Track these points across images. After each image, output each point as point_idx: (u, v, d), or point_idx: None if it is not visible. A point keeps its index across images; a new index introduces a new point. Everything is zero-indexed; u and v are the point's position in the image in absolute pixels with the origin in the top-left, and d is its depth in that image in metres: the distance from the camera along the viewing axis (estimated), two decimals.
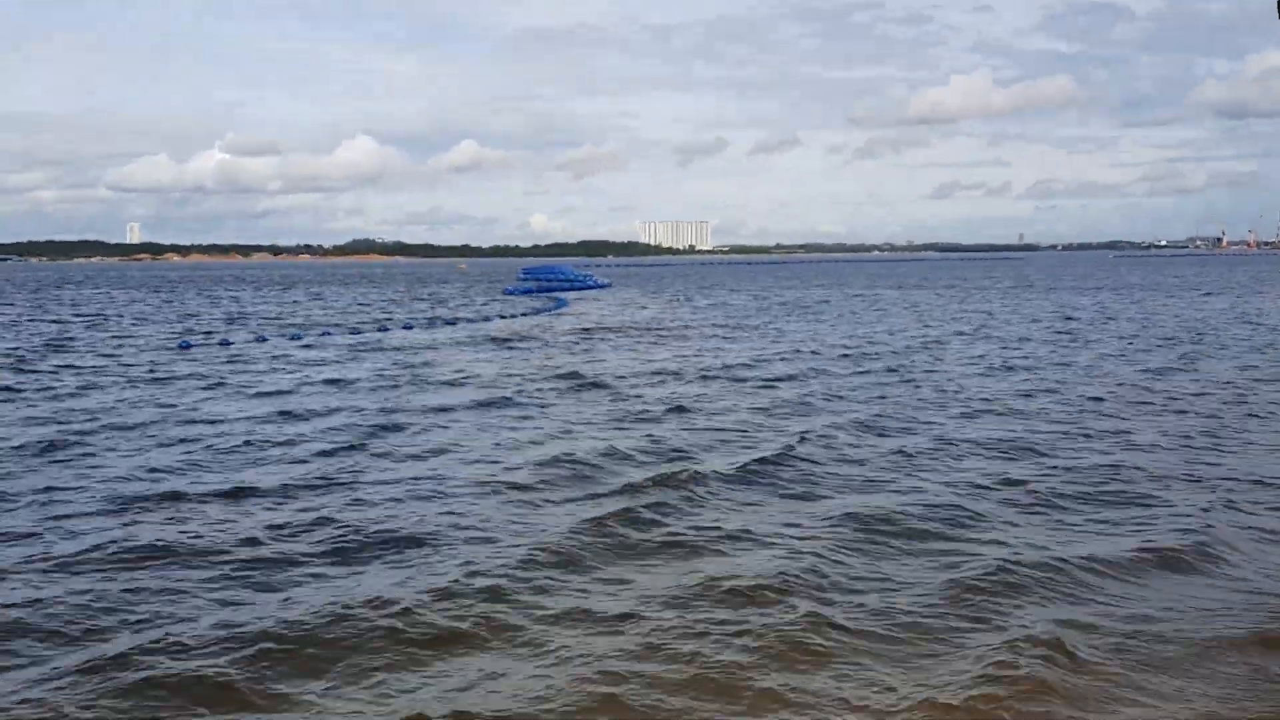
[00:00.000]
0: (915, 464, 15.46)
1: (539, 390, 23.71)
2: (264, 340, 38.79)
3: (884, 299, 71.16)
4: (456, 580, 9.91)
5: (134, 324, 49.62)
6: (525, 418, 19.90)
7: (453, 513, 12.68)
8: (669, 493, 13.45)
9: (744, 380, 25.58)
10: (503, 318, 51.83)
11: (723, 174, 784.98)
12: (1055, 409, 20.53)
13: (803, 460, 15.51)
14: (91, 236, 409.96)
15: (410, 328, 45.52)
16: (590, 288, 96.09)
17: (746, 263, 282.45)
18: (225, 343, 37.51)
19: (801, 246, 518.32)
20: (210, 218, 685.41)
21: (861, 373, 27.10)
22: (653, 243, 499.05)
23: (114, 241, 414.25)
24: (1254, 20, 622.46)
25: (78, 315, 57.35)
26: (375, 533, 11.76)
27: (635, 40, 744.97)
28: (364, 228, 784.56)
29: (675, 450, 16.48)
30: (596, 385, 24.44)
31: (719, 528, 11.96)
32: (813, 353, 32.35)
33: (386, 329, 44.93)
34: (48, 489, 13.89)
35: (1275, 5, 9.23)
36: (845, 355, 31.63)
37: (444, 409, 20.89)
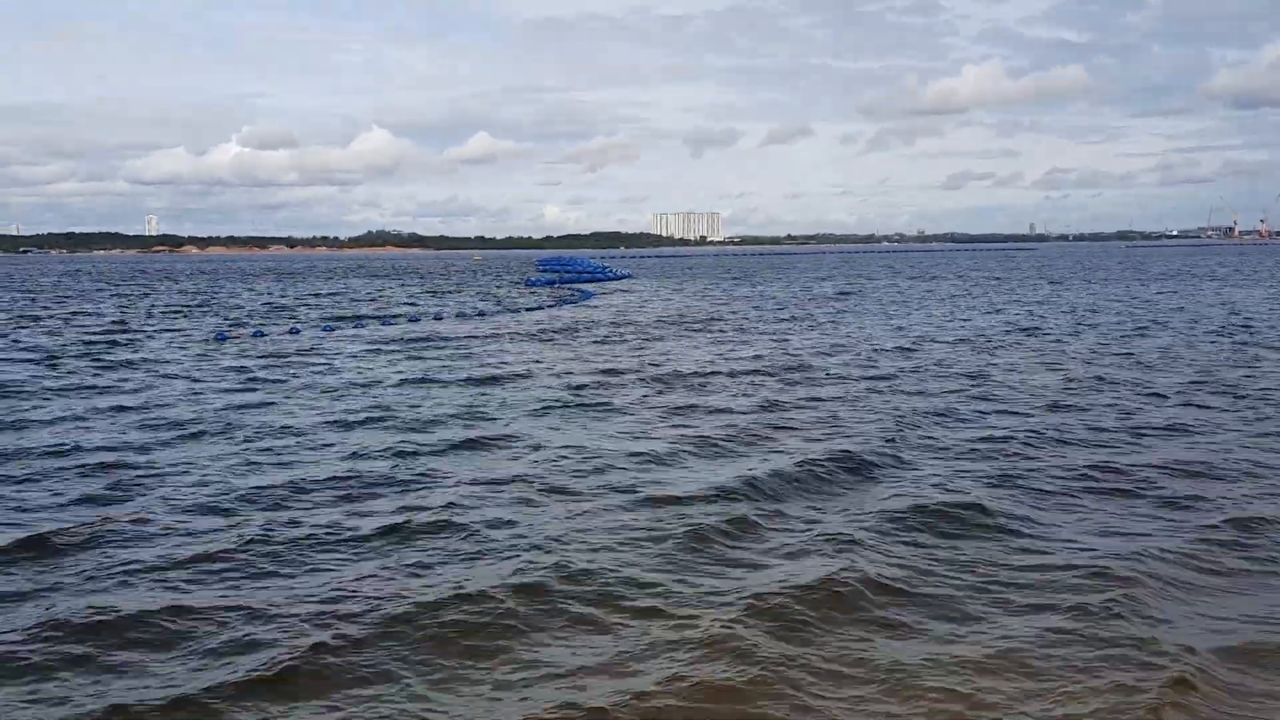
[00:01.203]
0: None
1: (625, 388, 22.98)
2: (330, 330, 39.53)
3: (939, 289, 70.76)
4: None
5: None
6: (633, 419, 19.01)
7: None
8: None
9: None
10: (531, 310, 52.11)
11: (734, 164, 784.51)
12: None
13: None
14: (110, 228, 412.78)
15: (464, 316, 47.15)
16: (612, 279, 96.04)
17: (760, 253, 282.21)
18: (321, 328, 38.16)
19: (812, 237, 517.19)
20: (226, 210, 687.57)
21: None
22: (665, 234, 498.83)
23: (132, 233, 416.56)
24: (1267, 9, 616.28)
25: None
26: None
27: (647, 30, 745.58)
28: (379, 220, 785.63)
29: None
30: (678, 384, 23.48)
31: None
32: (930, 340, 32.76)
33: (441, 318, 46.10)
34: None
35: None
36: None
37: (545, 410, 20.17)
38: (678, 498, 12.98)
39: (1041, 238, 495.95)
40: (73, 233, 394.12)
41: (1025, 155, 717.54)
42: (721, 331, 37.98)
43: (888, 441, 16.34)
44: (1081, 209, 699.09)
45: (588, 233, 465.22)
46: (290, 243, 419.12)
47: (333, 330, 40.05)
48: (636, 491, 13.39)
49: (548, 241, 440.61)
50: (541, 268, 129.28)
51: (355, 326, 41.95)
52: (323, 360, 29.16)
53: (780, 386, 22.89)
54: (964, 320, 42.01)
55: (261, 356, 30.13)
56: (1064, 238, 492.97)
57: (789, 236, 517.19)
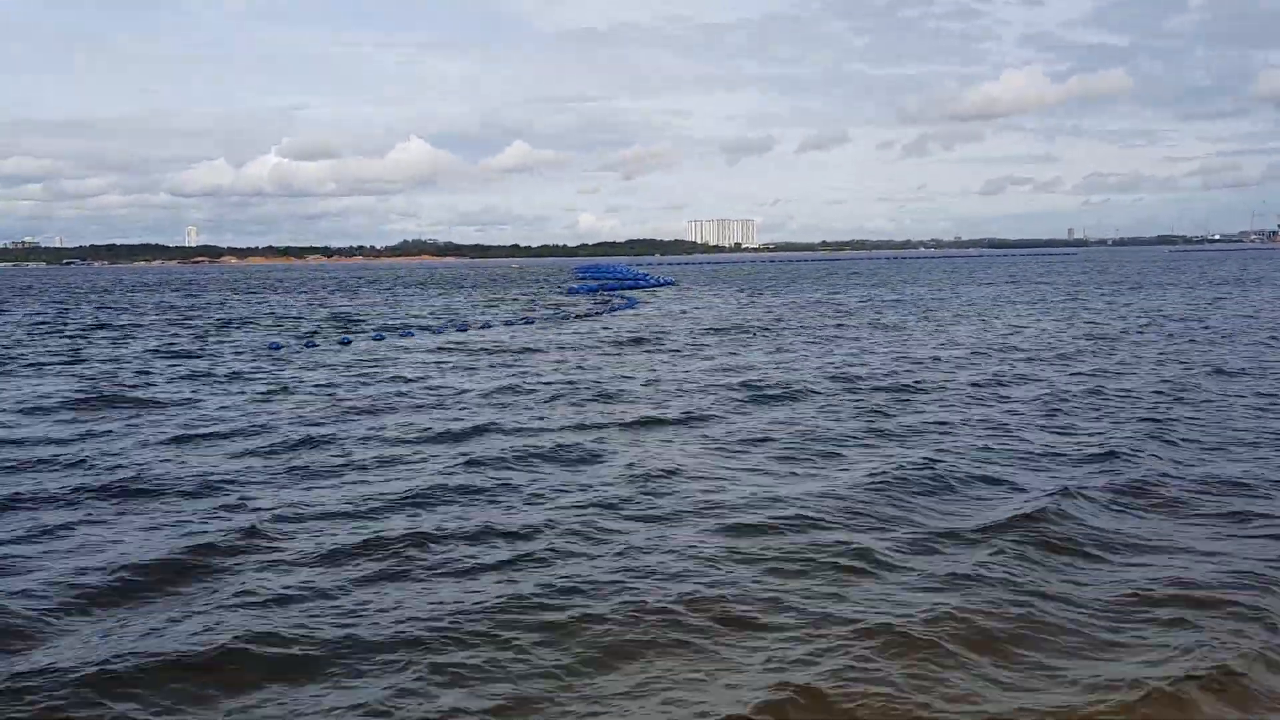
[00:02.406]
0: None
1: (715, 400, 21.47)
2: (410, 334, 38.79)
3: (1006, 292, 69.38)
4: None
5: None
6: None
7: None
8: None
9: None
10: (577, 317, 51.18)
11: (771, 171, 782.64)
12: None
13: None
14: (151, 240, 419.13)
15: (530, 321, 46.58)
16: (655, 285, 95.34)
17: (795, 259, 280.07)
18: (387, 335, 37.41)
19: (847, 243, 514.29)
20: (264, 220, 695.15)
21: None
22: (700, 240, 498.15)
23: (173, 244, 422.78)
24: None
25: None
26: None
27: (684, 39, 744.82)
28: (416, 229, 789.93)
29: None
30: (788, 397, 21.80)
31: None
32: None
33: (490, 325, 45.21)
34: None
35: None
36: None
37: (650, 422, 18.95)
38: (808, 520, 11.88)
39: (1081, 242, 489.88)
40: (114, 244, 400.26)
41: (1065, 160, 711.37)
42: (792, 337, 36.82)
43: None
44: (1122, 213, 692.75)
45: (623, 240, 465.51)
46: (327, 252, 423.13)
47: (383, 339, 39.31)
48: (753, 510, 12.27)
49: (583, 249, 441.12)
50: (581, 275, 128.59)
51: (403, 335, 41.10)
52: (394, 369, 28.31)
53: (882, 398, 21.65)
54: (1084, 321, 40.53)
55: (348, 365, 29.34)
56: (1102, 242, 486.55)
57: (824, 243, 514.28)
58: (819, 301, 63.53)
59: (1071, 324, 41.04)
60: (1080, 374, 24.72)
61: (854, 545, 10.90)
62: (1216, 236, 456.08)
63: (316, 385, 24.81)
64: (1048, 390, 21.91)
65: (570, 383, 24.23)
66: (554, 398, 21.95)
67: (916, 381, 23.65)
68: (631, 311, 54.78)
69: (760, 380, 24.04)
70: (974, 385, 23.03)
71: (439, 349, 34.25)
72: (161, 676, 7.98)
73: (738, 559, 10.56)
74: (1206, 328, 37.55)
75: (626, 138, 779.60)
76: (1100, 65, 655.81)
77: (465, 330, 43.66)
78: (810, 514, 12.14)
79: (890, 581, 9.92)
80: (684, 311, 54.64)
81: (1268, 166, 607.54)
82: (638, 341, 35.69)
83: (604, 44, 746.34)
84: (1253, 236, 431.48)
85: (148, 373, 28.40)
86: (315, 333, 43.07)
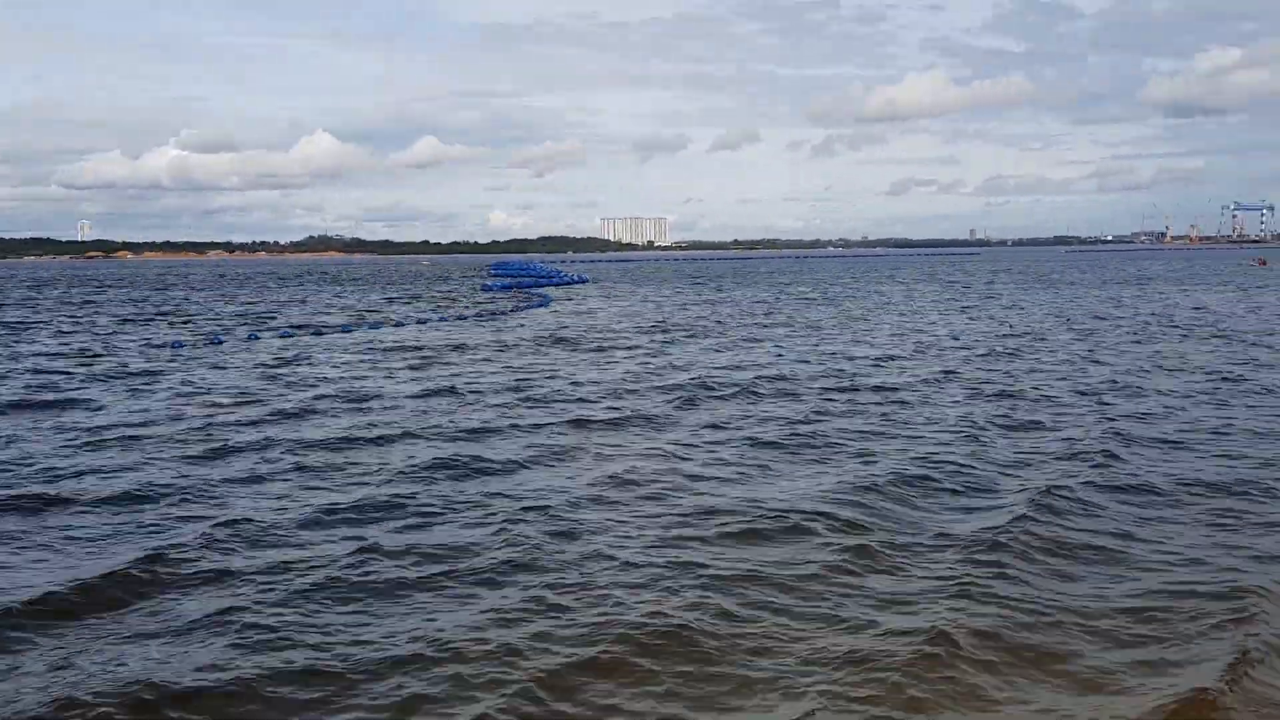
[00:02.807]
0: None
1: (648, 398, 21.12)
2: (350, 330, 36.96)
3: (959, 290, 70.11)
4: None
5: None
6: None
7: None
8: None
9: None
10: (497, 314, 50.04)
11: (683, 170, 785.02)
12: None
13: None
14: (41, 234, 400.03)
15: (450, 319, 44.39)
16: (570, 283, 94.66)
17: (708, 258, 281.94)
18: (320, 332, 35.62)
19: (758, 242, 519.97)
20: (163, 215, 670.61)
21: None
22: (612, 239, 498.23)
23: (65, 239, 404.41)
24: (1195, 21, 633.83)
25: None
26: None
27: (594, 37, 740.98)
28: (322, 225, 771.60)
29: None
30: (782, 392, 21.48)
31: None
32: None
33: (404, 323, 43.45)
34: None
35: None
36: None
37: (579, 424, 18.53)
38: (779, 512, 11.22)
39: (983, 243, 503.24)
40: (2, 239, 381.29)
41: (967, 162, 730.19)
42: (717, 337, 36.26)
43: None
44: (1021, 215, 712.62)
45: (535, 237, 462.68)
46: (229, 248, 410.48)
47: (291, 336, 37.61)
48: (735, 515, 11.57)
49: (494, 246, 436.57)
50: (495, 272, 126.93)
51: (315, 334, 39.36)
52: (312, 369, 26.88)
53: (800, 391, 21.18)
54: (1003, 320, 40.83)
55: (256, 366, 27.76)
56: (1003, 243, 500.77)
57: (735, 242, 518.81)
58: (757, 300, 63.26)
59: (1001, 321, 41.53)
60: (1025, 371, 24.74)
61: (841, 545, 10.32)
62: (1109, 237, 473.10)
63: (229, 387, 23.36)
64: (1002, 388, 21.73)
65: (508, 384, 23.20)
66: (495, 400, 20.93)
67: (879, 383, 23.15)
68: (548, 310, 53.86)
69: (704, 378, 23.37)
70: (925, 383, 22.76)
71: (358, 348, 32.86)
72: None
73: (710, 569, 9.84)
74: (1131, 323, 38.32)
75: (538, 134, 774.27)
76: (999, 71, 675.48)
77: (379, 328, 42.16)
78: (786, 514, 11.53)
79: (884, 588, 9.33)
80: (602, 309, 53.87)
81: (1157, 170, 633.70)
82: (563, 340, 34.77)
83: (515, 40, 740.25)
84: (1143, 238, 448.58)
85: (46, 373, 26.53)
86: (222, 331, 41.09)
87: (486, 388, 22.65)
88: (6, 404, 20.92)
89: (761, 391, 21.76)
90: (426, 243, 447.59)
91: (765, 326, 40.87)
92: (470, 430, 17.34)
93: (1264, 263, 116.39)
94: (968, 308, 51.69)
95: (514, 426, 17.65)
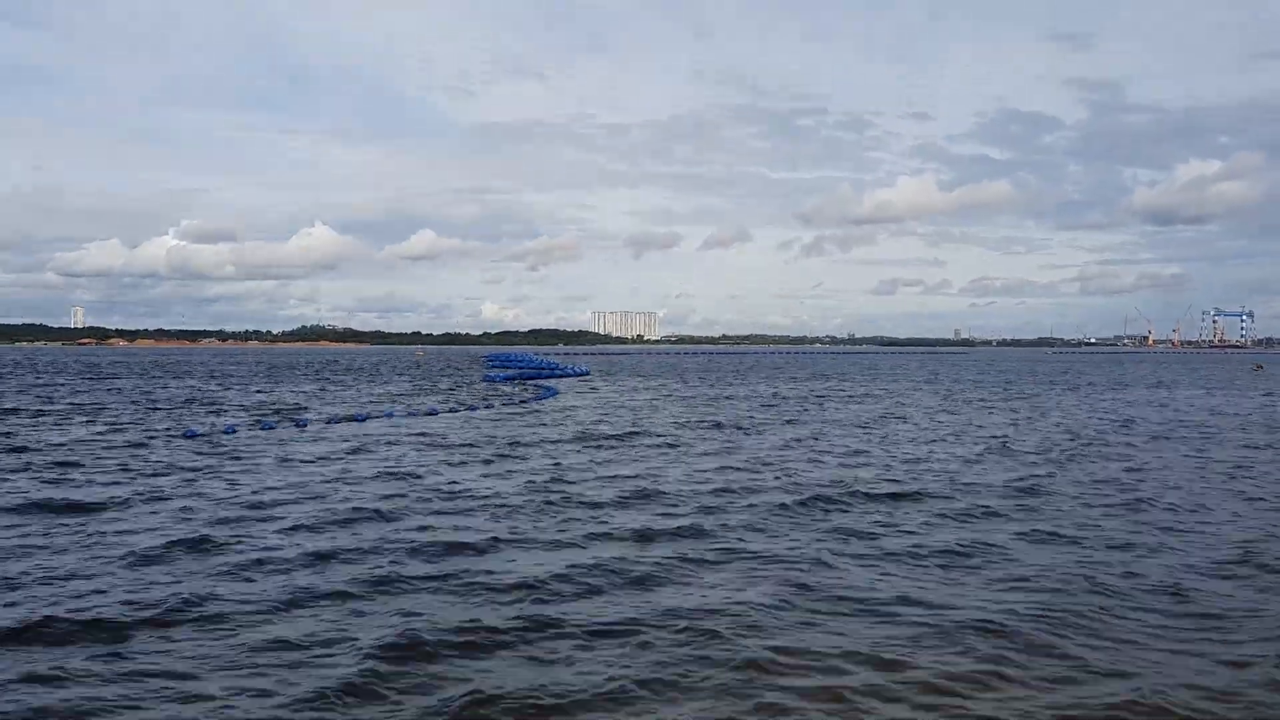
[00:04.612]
0: None
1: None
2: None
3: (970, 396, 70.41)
4: None
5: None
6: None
7: None
8: None
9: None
10: (509, 404, 50.04)
11: (675, 266, 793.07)
12: None
13: None
14: (35, 320, 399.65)
15: (475, 408, 44.55)
16: (571, 374, 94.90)
17: (699, 351, 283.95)
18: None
19: (746, 337, 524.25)
20: (155, 303, 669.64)
21: None
22: (603, 331, 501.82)
23: (58, 325, 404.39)
24: (1172, 133, 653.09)
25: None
26: None
27: (590, 137, 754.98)
28: (315, 314, 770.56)
29: None
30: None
31: None
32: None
33: (435, 411, 43.74)
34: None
35: None
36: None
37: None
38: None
39: (967, 342, 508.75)
40: None
41: (953, 263, 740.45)
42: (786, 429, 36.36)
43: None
44: (1006, 316, 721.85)
45: (526, 329, 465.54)
46: (222, 336, 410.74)
47: (305, 426, 37.60)
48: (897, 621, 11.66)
49: (484, 338, 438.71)
50: (492, 363, 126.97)
51: (358, 420, 39.40)
52: (380, 459, 26.92)
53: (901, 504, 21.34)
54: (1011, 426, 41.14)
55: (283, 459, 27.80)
56: (988, 343, 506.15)
57: (724, 336, 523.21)
58: (777, 395, 63.35)
59: (1043, 422, 41.88)
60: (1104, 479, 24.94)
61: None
62: (1093, 340, 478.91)
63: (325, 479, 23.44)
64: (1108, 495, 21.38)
65: (606, 480, 22.89)
66: (604, 501, 20.06)
67: (919, 489, 23.27)
68: (556, 401, 53.93)
69: (789, 483, 22.71)
70: (1008, 488, 22.14)
71: (412, 435, 32.98)
72: None
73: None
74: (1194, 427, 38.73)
75: (533, 229, 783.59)
76: (983, 177, 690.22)
77: (416, 415, 42.33)
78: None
79: None
80: (620, 401, 53.86)
81: (1138, 276, 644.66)
82: (605, 435, 34.77)
83: (512, 139, 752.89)
84: (1126, 341, 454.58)
85: (145, 446, 26.50)
86: (267, 416, 41.10)
87: (587, 486, 22.72)
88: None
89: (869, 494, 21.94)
90: (418, 333, 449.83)
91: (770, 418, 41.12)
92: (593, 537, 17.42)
93: (1260, 368, 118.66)
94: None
95: (635, 537, 17.69)
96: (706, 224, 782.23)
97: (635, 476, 23.35)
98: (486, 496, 20.31)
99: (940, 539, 16.29)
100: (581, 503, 19.62)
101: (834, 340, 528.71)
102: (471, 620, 11.41)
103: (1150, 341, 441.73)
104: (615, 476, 23.33)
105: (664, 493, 20.85)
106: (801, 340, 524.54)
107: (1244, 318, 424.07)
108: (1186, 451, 29.60)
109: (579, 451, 28.77)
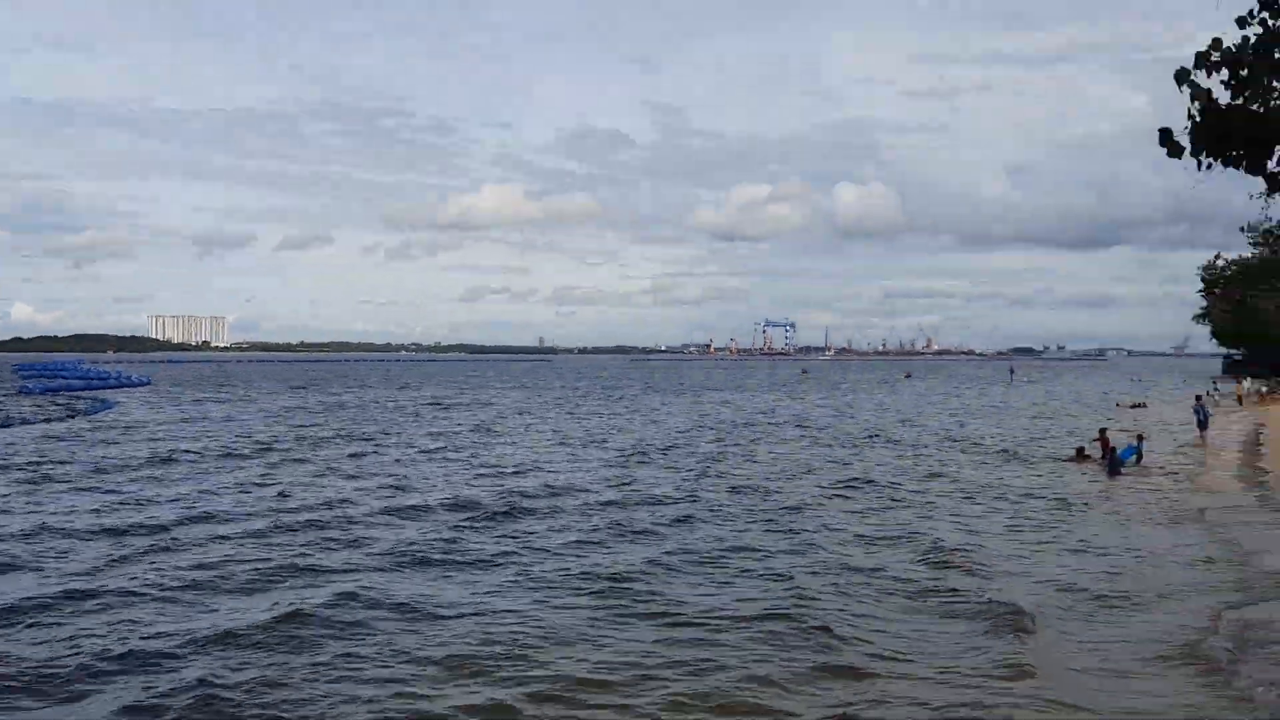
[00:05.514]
0: None
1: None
2: None
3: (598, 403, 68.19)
4: None
5: None
6: None
7: None
8: None
9: None
10: (62, 419, 41.43)
11: (249, 269, 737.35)
12: None
13: None
14: None
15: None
16: (129, 385, 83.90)
17: (276, 360, 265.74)
18: None
19: (328, 345, 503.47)
20: None
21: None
22: (162, 337, 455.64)
23: None
24: (730, 157, 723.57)
25: None
26: None
27: (146, 123, 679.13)
28: None
29: None
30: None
31: None
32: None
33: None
34: None
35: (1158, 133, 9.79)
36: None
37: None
38: None
39: (551, 350, 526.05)
40: None
41: (538, 272, 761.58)
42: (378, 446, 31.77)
43: None
44: (587, 324, 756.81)
45: (67, 334, 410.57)
46: None
47: None
48: None
49: (15, 344, 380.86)
50: (26, 373, 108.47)
51: None
52: None
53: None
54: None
55: None
56: (570, 350, 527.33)
57: (303, 344, 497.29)
58: (377, 403, 58.12)
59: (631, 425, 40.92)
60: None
61: None
62: (664, 348, 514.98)
63: None
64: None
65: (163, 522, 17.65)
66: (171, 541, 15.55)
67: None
68: (114, 414, 45.82)
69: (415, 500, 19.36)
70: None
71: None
72: None
73: None
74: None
75: (76, 222, 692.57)
76: (565, 189, 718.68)
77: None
78: None
79: None
80: (188, 417, 46.45)
81: (703, 289, 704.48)
82: (176, 455, 28.57)
83: (52, 117, 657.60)
84: (692, 349, 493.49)
85: None
86: None
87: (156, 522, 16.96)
88: None
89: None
90: None
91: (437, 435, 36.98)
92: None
93: (909, 376, 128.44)
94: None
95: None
96: (283, 223, 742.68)
97: None
98: None
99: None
100: None
101: (420, 348, 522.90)
102: None
103: (712, 350, 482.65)
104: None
105: None
106: (387, 348, 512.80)
107: (788, 328, 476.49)
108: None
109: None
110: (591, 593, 12.77)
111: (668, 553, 15.20)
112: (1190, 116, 12.45)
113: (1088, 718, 8.58)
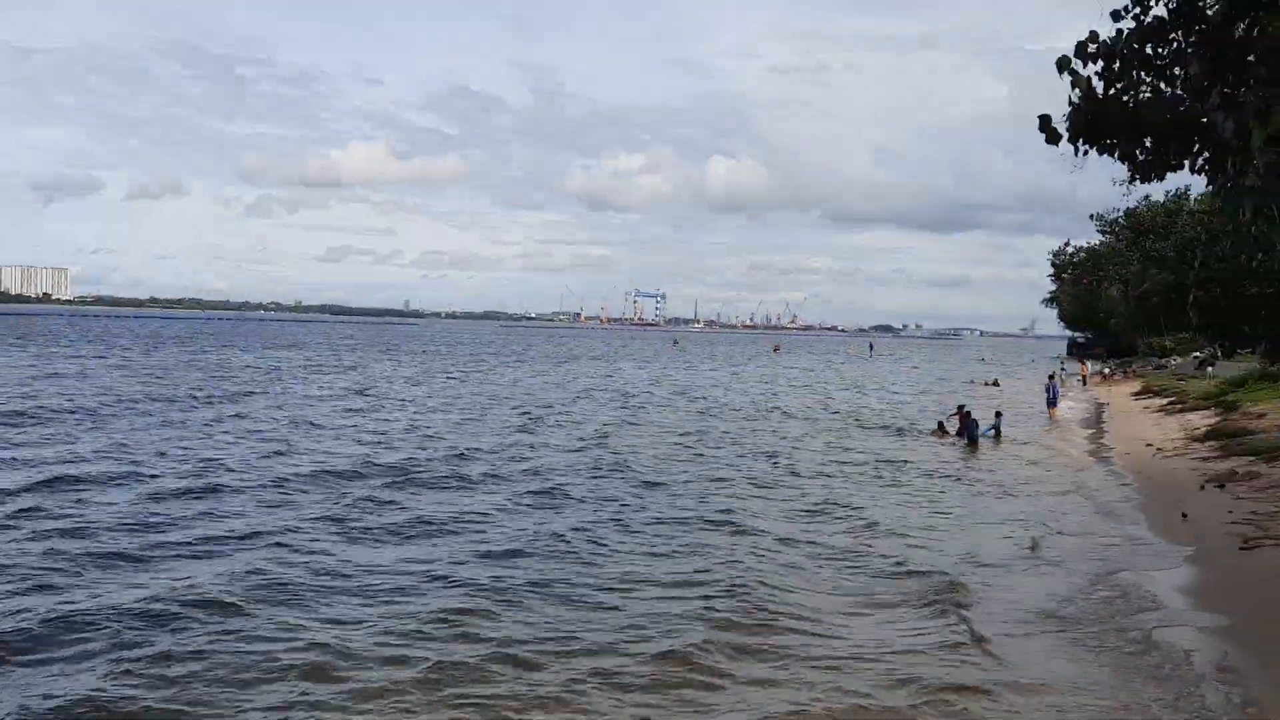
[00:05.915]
0: None
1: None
2: None
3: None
4: None
5: None
6: None
7: None
8: None
9: None
10: None
11: (93, 218, 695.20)
12: None
13: None
14: None
15: None
16: None
17: (121, 315, 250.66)
18: None
19: (179, 301, 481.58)
20: None
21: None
22: None
23: None
24: (604, 124, 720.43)
25: None
26: None
27: None
28: None
29: None
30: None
31: None
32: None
33: None
34: None
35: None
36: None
37: None
38: None
39: (417, 314, 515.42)
40: None
41: (404, 234, 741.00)
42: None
43: None
44: (456, 289, 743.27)
45: None
46: None
47: None
48: None
49: None
50: None
51: None
52: None
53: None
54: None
55: None
56: (437, 315, 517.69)
57: (153, 300, 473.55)
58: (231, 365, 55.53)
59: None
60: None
61: None
62: (534, 315, 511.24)
63: None
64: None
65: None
66: None
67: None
68: None
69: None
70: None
71: None
72: None
73: None
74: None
75: None
76: (435, 150, 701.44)
77: None
78: None
79: None
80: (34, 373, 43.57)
81: (572, 256, 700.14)
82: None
83: None
84: (561, 317, 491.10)
85: None
86: None
87: None
88: None
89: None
90: None
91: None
92: None
93: (778, 349, 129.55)
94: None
95: None
96: (133, 171, 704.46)
97: None
98: None
99: None
100: None
101: (279, 307, 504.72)
102: None
103: (582, 319, 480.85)
104: None
105: None
106: (244, 306, 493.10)
107: (659, 299, 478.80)
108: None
109: None
110: (500, 562, 12.43)
111: (582, 524, 14.94)
112: (1071, 103, 12.83)
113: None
